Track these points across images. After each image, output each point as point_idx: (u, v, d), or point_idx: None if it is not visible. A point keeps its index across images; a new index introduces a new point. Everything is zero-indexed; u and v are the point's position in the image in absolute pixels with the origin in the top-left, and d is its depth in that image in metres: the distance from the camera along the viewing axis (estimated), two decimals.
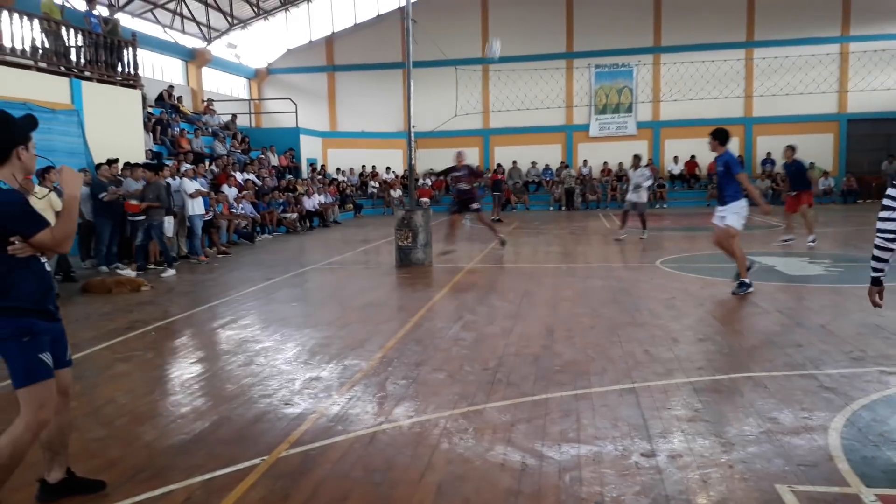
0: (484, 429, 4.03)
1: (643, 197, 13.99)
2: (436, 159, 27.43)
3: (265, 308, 8.11)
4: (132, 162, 12.26)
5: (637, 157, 14.63)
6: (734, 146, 25.91)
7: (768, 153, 25.27)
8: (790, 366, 5.11)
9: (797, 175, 12.32)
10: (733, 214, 7.85)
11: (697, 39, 25.26)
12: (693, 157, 25.62)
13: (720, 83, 24.50)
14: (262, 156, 21.58)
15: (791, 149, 12.35)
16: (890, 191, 3.58)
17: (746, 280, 7.84)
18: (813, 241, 11.70)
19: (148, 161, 13.35)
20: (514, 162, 26.84)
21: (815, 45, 24.53)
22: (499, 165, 25.56)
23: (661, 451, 3.63)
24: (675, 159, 26.01)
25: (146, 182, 11.30)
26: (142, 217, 11.05)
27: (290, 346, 6.17)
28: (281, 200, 18.58)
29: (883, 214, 3.58)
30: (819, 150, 24.14)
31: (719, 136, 7.92)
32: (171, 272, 10.87)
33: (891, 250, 3.60)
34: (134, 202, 11.12)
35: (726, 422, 4.02)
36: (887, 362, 5.11)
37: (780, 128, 24.62)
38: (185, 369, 5.60)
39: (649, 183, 14.53)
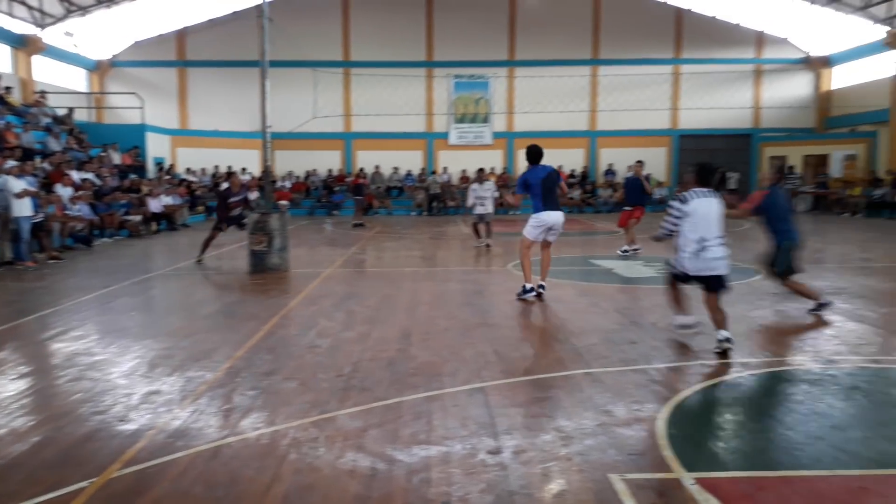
0: (335, 436, 3.98)
1: (489, 208, 14.39)
2: (294, 161, 26.86)
3: (101, 318, 7.51)
4: None
5: (482, 171, 15.06)
6: (579, 158, 27.65)
7: (610, 164, 27.14)
8: (624, 361, 5.50)
9: (634, 190, 12.96)
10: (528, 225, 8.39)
11: (548, 55, 26.65)
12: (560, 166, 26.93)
13: (567, 97, 25.99)
14: (103, 153, 20.02)
15: (640, 164, 13.18)
16: (672, 202, 5.86)
17: (528, 286, 8.18)
18: (625, 251, 12.25)
19: None
20: (377, 167, 26.86)
21: (652, 65, 26.72)
22: (361, 170, 25.46)
23: (506, 448, 3.77)
24: None
25: None
26: None
27: (127, 358, 5.75)
28: (123, 202, 17.32)
29: (667, 218, 5.95)
30: (654, 163, 26.26)
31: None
32: None
33: (669, 235, 6.00)
34: None
35: (566, 416, 4.25)
36: (708, 355, 5.63)
37: (621, 141, 26.53)
38: (2, 387, 5.06)
39: (496, 195, 15.01)
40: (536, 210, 8.25)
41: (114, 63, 26.55)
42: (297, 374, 5.22)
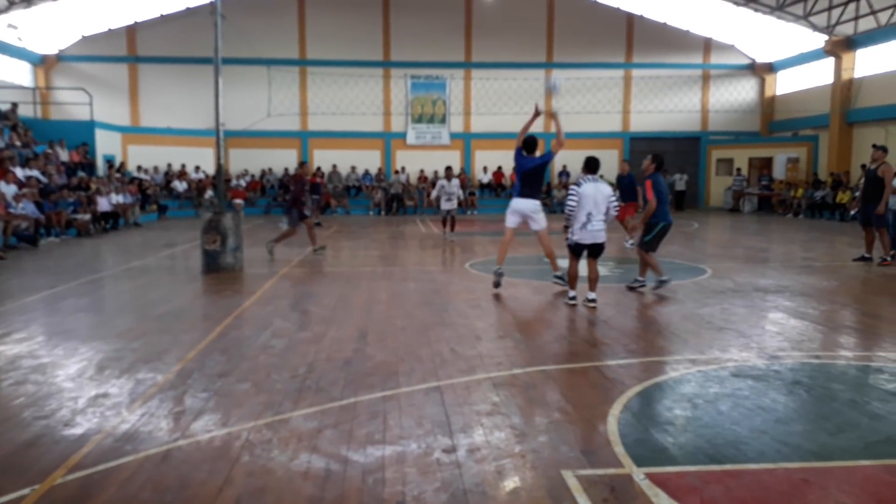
0: (289, 438, 3.95)
1: (454, 204, 15.62)
2: (248, 159, 26.46)
3: (47, 320, 7.28)
4: None
5: (450, 169, 15.78)
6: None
7: (564, 166, 27.49)
8: (578, 359, 5.59)
9: (629, 187, 13.59)
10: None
11: (504, 58, 26.87)
12: (500, 167, 27.17)
13: (522, 100, 26.23)
14: (50, 150, 19.37)
15: (626, 163, 13.74)
16: (572, 188, 7.71)
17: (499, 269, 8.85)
18: (630, 244, 12.83)
19: None
20: (334, 166, 26.66)
21: (605, 69, 27.18)
22: (318, 168, 25.22)
23: (461, 446, 3.79)
24: (485, 169, 27.39)
25: None
26: None
27: (73, 361, 5.59)
28: (71, 200, 16.80)
29: (568, 200, 7.73)
30: (607, 165, 26.63)
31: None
32: None
33: (570, 218, 7.69)
34: None
35: (521, 414, 4.30)
36: (657, 353, 5.77)
37: (576, 143, 26.71)
38: None
39: (460, 192, 16.03)
40: (513, 196, 9.06)
41: (60, 57, 25.71)
42: (250, 375, 5.15)
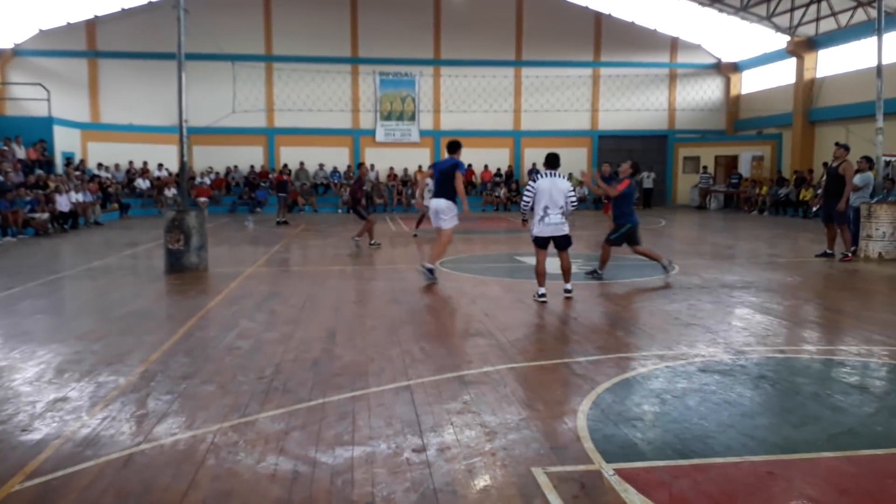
0: (255, 440, 3.87)
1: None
2: (213, 157, 26.06)
3: (3, 322, 7.05)
4: None
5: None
6: (504, 157, 28.05)
7: (534, 163, 27.61)
8: (547, 356, 5.60)
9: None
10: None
11: (473, 55, 26.88)
12: (470, 165, 27.12)
13: (492, 97, 26.29)
14: (5, 147, 18.83)
15: (607, 164, 13.97)
16: (530, 184, 7.97)
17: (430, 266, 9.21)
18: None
19: None
20: (301, 163, 26.39)
21: (573, 67, 27.37)
22: (285, 166, 24.94)
23: (431, 446, 3.76)
24: None
25: None
26: None
27: (31, 364, 5.42)
28: (28, 198, 16.34)
29: (524, 194, 7.99)
30: (576, 162, 26.90)
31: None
32: None
33: (524, 212, 8.10)
34: None
35: (491, 411, 4.28)
36: (626, 349, 5.81)
37: (545, 141, 27.00)
38: None
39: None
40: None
41: (16, 52, 24.99)
42: (215, 376, 5.05)
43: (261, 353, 5.70)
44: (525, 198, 7.99)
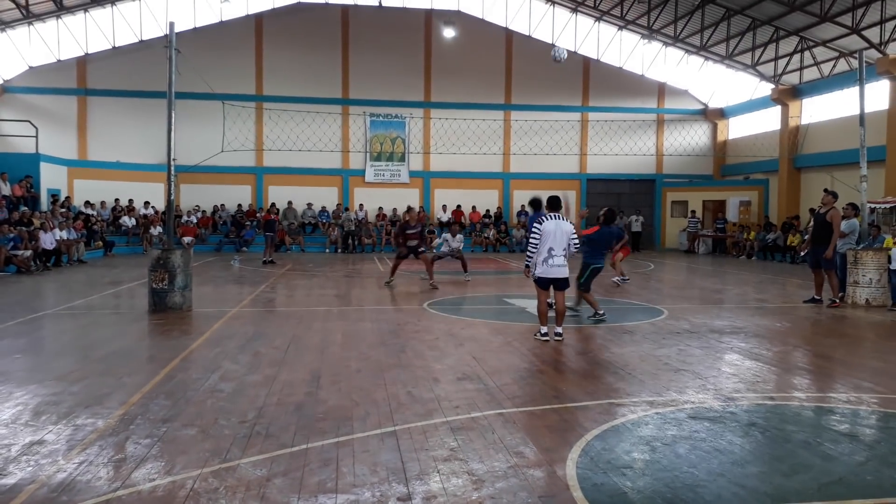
0: (236, 486, 3.76)
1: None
2: (200, 195, 26.05)
3: None
4: None
5: (456, 227, 16.24)
6: (494, 198, 28.25)
7: (522, 206, 27.79)
8: (536, 401, 5.52)
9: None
10: None
11: (463, 98, 27.29)
12: (459, 206, 27.36)
13: (481, 140, 26.58)
14: None
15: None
16: (535, 225, 8.03)
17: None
18: (622, 280, 14.27)
19: None
20: (290, 202, 26.41)
21: (562, 111, 27.81)
22: (272, 205, 24.88)
23: (416, 494, 3.66)
24: (444, 207, 27.51)
25: None
26: None
27: (8, 405, 5.27)
28: (12, 235, 16.18)
29: (531, 236, 8.03)
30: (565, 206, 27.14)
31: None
32: None
33: (531, 254, 8.02)
34: None
35: (478, 459, 4.19)
36: (615, 394, 5.74)
37: (533, 183, 27.26)
38: None
39: (459, 246, 15.69)
40: None
41: (6, 88, 25.08)
42: (196, 420, 4.93)
43: (243, 396, 5.59)
44: (532, 240, 8.02)
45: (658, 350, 7.63)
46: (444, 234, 16.49)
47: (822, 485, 3.88)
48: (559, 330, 8.11)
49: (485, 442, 4.51)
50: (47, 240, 17.13)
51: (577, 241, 8.08)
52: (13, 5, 22.52)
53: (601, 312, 9.52)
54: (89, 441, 4.47)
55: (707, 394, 5.81)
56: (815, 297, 11.67)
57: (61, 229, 18.39)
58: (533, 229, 8.07)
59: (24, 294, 12.48)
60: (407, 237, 13.62)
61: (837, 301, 11.41)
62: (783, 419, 5.17)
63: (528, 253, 8.15)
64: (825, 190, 11.95)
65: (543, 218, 8.06)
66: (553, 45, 11.00)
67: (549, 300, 8.25)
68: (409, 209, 15.15)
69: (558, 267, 7.92)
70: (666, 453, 4.34)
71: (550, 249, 7.87)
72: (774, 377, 6.54)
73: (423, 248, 13.71)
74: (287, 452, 4.29)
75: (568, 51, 11.72)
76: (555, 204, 8.15)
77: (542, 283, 8.04)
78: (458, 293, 12.89)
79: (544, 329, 8.05)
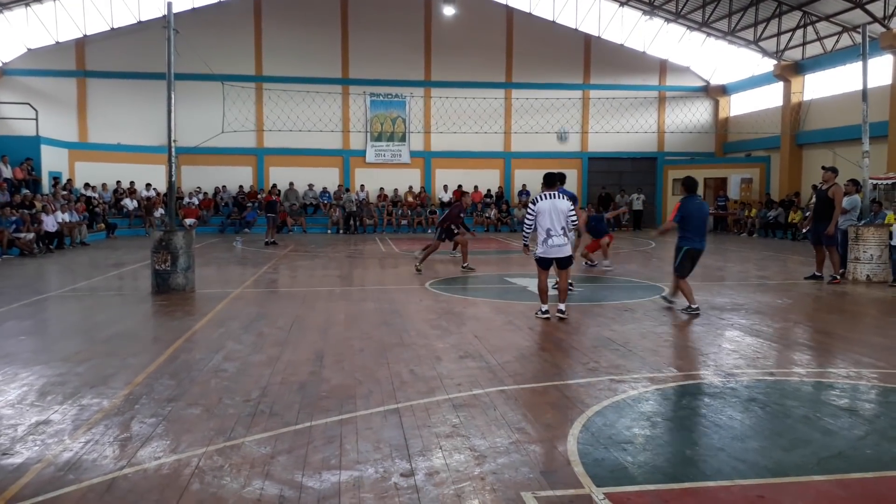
0: (241, 464, 3.80)
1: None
2: (202, 177, 26.01)
3: None
4: None
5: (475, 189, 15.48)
6: (495, 178, 28.16)
7: (524, 185, 27.77)
8: (537, 378, 5.56)
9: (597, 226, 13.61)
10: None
11: (463, 77, 27.10)
12: (460, 185, 27.21)
13: (482, 119, 26.42)
14: None
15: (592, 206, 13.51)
16: (529, 205, 7.96)
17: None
18: (594, 265, 13.37)
19: None
20: (291, 183, 26.36)
21: (563, 90, 27.61)
22: (274, 186, 24.87)
23: (419, 470, 3.71)
24: (445, 187, 27.45)
25: None
26: None
27: (13, 386, 5.32)
28: (14, 218, 16.20)
29: (526, 217, 8.00)
30: (567, 184, 27.06)
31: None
32: None
33: (527, 234, 8.10)
34: None
35: (480, 435, 4.23)
36: (616, 371, 5.78)
37: (535, 162, 27.18)
38: None
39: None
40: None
41: (5, 71, 24.96)
42: (201, 399, 4.98)
43: (247, 376, 5.63)
44: (527, 221, 7.98)
45: (659, 327, 7.66)
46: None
47: (821, 459, 3.91)
48: (562, 307, 8.06)
49: (487, 418, 4.55)
50: (49, 222, 17.16)
51: (574, 219, 7.97)
52: None
53: (695, 306, 8.41)
54: (95, 421, 4.51)
55: (707, 370, 5.84)
56: (816, 273, 11.67)
57: (63, 212, 18.41)
58: (527, 211, 8.05)
59: (28, 276, 12.52)
60: (459, 221, 13.33)
61: (838, 277, 11.42)
62: (783, 394, 5.20)
63: (523, 233, 8.25)
64: (823, 167, 11.90)
65: (538, 198, 7.98)
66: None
67: (550, 279, 8.21)
68: (465, 193, 14.47)
69: (558, 247, 7.84)
70: (666, 429, 4.38)
71: (548, 230, 7.80)
72: (775, 353, 6.57)
73: (458, 231, 13.39)
74: (291, 430, 4.33)
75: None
76: (550, 181, 8.05)
77: (543, 263, 8.03)
78: (460, 273, 12.91)
79: (545, 307, 8.04)
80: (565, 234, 7.87)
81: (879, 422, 4.59)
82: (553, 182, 8.01)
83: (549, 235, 7.81)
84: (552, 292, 8.35)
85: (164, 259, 10.08)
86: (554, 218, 7.80)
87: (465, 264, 13.06)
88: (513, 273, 12.84)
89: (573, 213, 7.93)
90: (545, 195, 7.94)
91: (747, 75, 27.07)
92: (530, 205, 8.00)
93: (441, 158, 27.70)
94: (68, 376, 5.59)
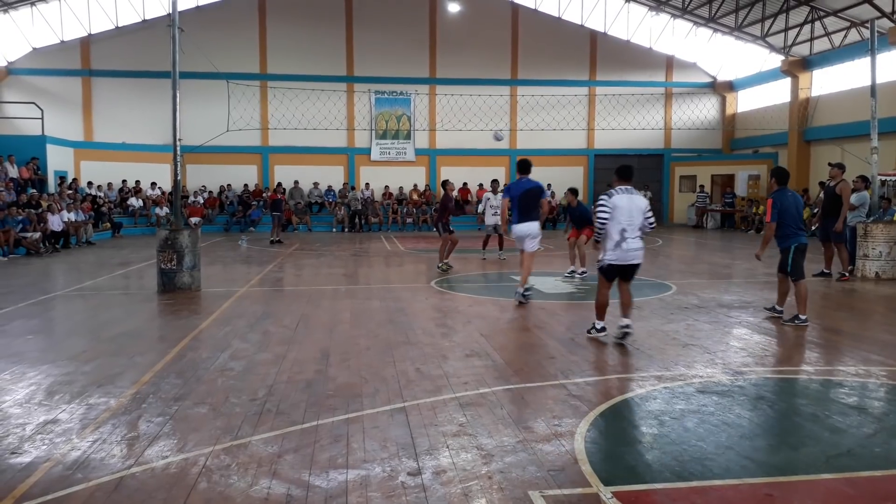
0: (248, 463, 3.80)
1: (499, 220, 14.07)
2: (207, 175, 26.05)
3: None
4: None
5: (496, 182, 15.29)
6: (501, 175, 28.09)
7: (549, 184, 27.61)
8: (544, 377, 5.54)
9: (581, 217, 12.33)
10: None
11: (469, 74, 27.03)
12: (465, 183, 27.23)
13: (487, 116, 26.35)
14: None
15: (572, 192, 12.63)
16: (602, 199, 6.64)
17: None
18: (582, 273, 11.90)
19: None
20: (296, 182, 26.37)
21: (569, 86, 27.53)
22: (279, 184, 24.88)
23: (427, 469, 3.70)
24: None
25: None
26: None
27: (21, 385, 5.34)
28: (20, 217, 16.26)
29: (598, 214, 6.58)
30: (572, 181, 26.98)
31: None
32: None
33: (600, 232, 6.61)
34: None
35: (487, 434, 4.22)
36: (623, 370, 5.76)
37: (540, 160, 26.93)
38: None
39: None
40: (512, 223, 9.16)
41: (10, 70, 25.03)
42: (207, 398, 4.98)
43: (253, 375, 5.63)
44: (601, 217, 6.54)
45: (666, 325, 7.63)
46: (486, 194, 15.43)
47: (830, 457, 3.89)
48: (626, 322, 6.64)
49: (493, 417, 4.54)
50: (55, 222, 17.21)
51: (652, 219, 6.69)
52: None
53: (804, 317, 7.59)
54: (102, 420, 4.52)
55: (715, 368, 5.82)
56: (825, 270, 11.61)
57: (69, 211, 18.46)
58: (600, 205, 6.61)
59: (34, 276, 12.57)
60: (445, 218, 12.95)
61: (847, 274, 11.36)
62: (792, 392, 5.18)
63: (596, 231, 6.74)
64: (830, 164, 11.82)
65: (613, 191, 6.63)
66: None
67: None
68: (446, 181, 14.13)
69: (634, 251, 6.53)
70: (674, 427, 4.36)
71: (623, 231, 6.47)
72: (783, 351, 6.53)
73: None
74: (298, 429, 4.33)
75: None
76: (626, 173, 6.71)
77: (610, 273, 6.68)
78: (464, 270, 12.89)
79: (602, 324, 6.85)
80: (641, 237, 6.62)
81: (888, 419, 4.56)
82: (629, 175, 6.71)
83: (623, 237, 6.49)
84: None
85: (170, 258, 10.09)
86: (633, 215, 6.51)
87: (441, 263, 12.66)
88: (519, 271, 12.79)
89: (651, 213, 6.70)
90: (620, 189, 6.61)
91: (755, 71, 26.93)
92: (604, 197, 6.63)
93: (446, 156, 27.65)
94: (75, 375, 5.61)
